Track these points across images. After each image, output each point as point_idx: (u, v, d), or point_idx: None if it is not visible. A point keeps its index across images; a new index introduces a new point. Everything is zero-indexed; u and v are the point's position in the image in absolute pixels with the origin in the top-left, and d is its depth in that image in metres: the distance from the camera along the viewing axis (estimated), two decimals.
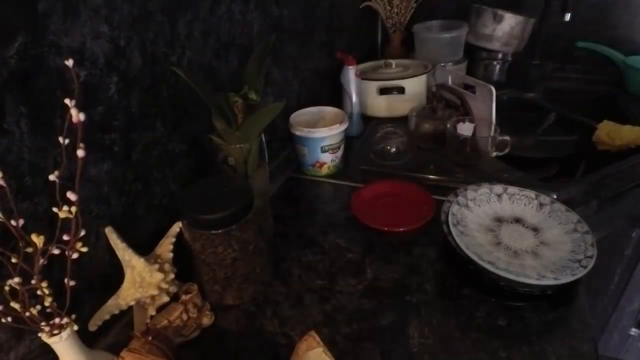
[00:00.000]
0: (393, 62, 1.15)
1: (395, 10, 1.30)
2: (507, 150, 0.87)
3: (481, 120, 0.90)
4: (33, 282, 0.39)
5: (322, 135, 0.84)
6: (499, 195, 0.71)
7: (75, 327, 0.43)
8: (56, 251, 0.39)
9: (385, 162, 0.92)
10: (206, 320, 0.57)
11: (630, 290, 1.04)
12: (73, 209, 0.38)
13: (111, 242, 0.51)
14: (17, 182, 0.41)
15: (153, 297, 0.55)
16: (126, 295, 0.53)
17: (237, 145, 0.60)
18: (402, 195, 0.78)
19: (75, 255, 0.40)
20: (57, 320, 0.41)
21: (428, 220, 0.70)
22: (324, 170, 0.89)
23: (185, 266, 0.58)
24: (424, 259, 0.66)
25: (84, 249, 0.40)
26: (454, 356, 0.51)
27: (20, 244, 0.37)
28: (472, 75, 1.26)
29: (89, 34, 0.45)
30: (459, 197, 0.69)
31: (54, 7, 0.41)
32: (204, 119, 0.64)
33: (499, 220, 0.68)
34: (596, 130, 1.00)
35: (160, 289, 0.54)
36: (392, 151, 0.93)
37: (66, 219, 0.38)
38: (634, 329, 1.15)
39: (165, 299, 0.55)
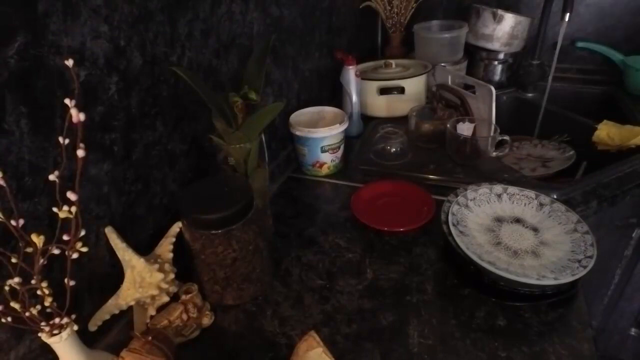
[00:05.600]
0: (393, 62, 1.15)
1: (395, 10, 1.30)
2: (507, 151, 0.88)
3: (481, 120, 0.90)
4: (33, 282, 0.39)
5: (322, 135, 0.84)
6: (499, 195, 0.71)
7: (75, 327, 0.43)
8: (56, 251, 0.39)
9: (385, 162, 0.92)
10: (206, 320, 0.57)
11: (630, 290, 1.05)
12: (73, 209, 0.38)
13: (111, 242, 0.52)
14: (17, 182, 0.41)
15: (153, 297, 0.55)
16: (126, 295, 0.53)
17: (237, 145, 0.60)
18: (402, 195, 0.78)
19: (75, 255, 0.40)
20: (57, 320, 0.41)
21: (428, 220, 0.70)
22: (324, 170, 0.89)
23: (185, 266, 0.58)
24: (424, 259, 0.66)
25: (84, 249, 0.40)
26: (454, 356, 0.51)
27: (20, 244, 0.37)
28: (472, 75, 1.26)
29: (89, 34, 0.45)
30: (459, 197, 0.69)
31: (54, 7, 0.41)
32: (204, 119, 0.64)
33: (499, 220, 0.68)
34: (596, 130, 1.00)
35: (160, 289, 0.54)
36: (392, 151, 0.93)
37: (66, 219, 0.38)
38: (634, 329, 1.16)
39: (165, 299, 0.55)
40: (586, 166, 1.04)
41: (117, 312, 0.52)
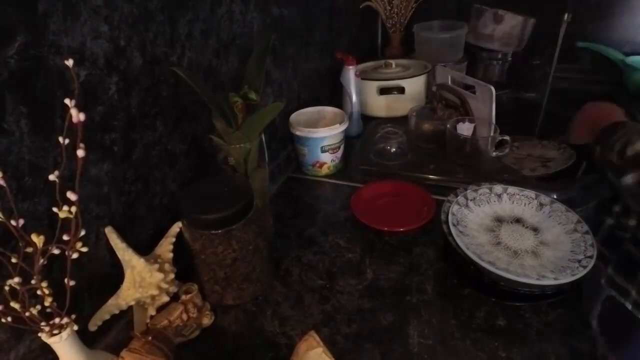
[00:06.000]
0: (393, 62, 1.15)
1: (395, 10, 1.30)
2: (507, 151, 0.88)
3: (481, 120, 0.90)
4: (33, 282, 0.39)
5: (322, 135, 0.84)
6: (499, 195, 0.71)
7: (75, 327, 0.43)
8: (56, 251, 0.39)
9: (385, 162, 0.92)
10: (206, 320, 0.57)
11: None
12: (73, 208, 0.38)
13: (111, 242, 0.52)
14: (17, 182, 0.41)
15: (153, 297, 0.55)
16: (126, 295, 0.53)
17: (237, 145, 0.60)
18: (402, 195, 0.78)
19: (75, 255, 0.40)
20: (57, 320, 0.41)
21: (428, 220, 0.70)
22: (324, 170, 0.89)
23: (185, 266, 0.58)
24: (424, 259, 0.66)
25: (84, 249, 0.40)
26: (454, 356, 0.51)
27: (20, 244, 0.37)
28: (472, 75, 1.25)
29: (89, 34, 0.45)
30: (459, 197, 0.69)
31: (54, 7, 0.41)
32: (204, 119, 0.64)
33: (499, 220, 0.68)
34: None
35: (160, 289, 0.54)
36: (392, 151, 0.93)
37: (66, 219, 0.38)
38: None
39: (165, 299, 0.55)
40: (586, 166, 1.04)
41: (117, 312, 0.52)
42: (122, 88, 0.50)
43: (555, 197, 0.71)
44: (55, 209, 0.38)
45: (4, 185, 0.35)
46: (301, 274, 0.65)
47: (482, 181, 0.73)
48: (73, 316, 0.42)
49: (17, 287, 0.38)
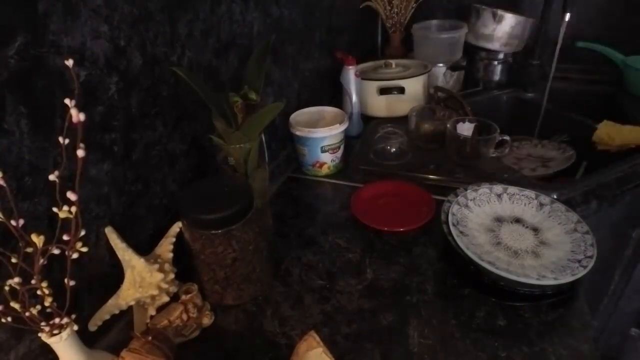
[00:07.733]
0: (393, 62, 1.15)
1: (395, 10, 1.30)
2: (507, 151, 0.88)
3: None
4: (33, 282, 0.39)
5: (322, 135, 0.84)
6: (499, 195, 0.71)
7: (75, 327, 0.43)
8: (56, 251, 0.39)
9: (385, 162, 0.92)
10: (206, 320, 0.57)
11: (630, 290, 1.04)
12: (73, 209, 0.38)
13: (111, 242, 0.52)
14: (17, 182, 0.41)
15: (153, 297, 0.55)
16: (126, 295, 0.53)
17: (237, 145, 0.60)
18: (402, 195, 0.78)
19: (75, 255, 0.40)
20: (57, 320, 0.41)
21: (428, 220, 0.70)
22: (324, 170, 0.89)
23: (185, 266, 0.58)
24: (424, 259, 0.66)
25: (84, 249, 0.40)
26: (454, 356, 0.51)
27: (20, 244, 0.37)
28: (472, 75, 1.26)
29: (89, 34, 0.45)
30: (459, 197, 0.69)
31: (54, 7, 0.41)
32: (204, 119, 0.64)
33: (499, 220, 0.68)
34: (596, 130, 1.00)
35: (160, 289, 0.54)
36: (392, 151, 0.93)
37: (66, 219, 0.38)
38: (634, 329, 1.15)
39: (165, 299, 0.56)
40: (586, 166, 1.04)
41: (117, 312, 0.52)
42: (122, 88, 0.50)
43: (555, 197, 0.71)
44: (55, 209, 0.38)
45: (4, 185, 0.35)
46: (301, 274, 0.65)
47: (482, 181, 0.73)
48: (73, 316, 0.42)
49: (17, 287, 0.38)
